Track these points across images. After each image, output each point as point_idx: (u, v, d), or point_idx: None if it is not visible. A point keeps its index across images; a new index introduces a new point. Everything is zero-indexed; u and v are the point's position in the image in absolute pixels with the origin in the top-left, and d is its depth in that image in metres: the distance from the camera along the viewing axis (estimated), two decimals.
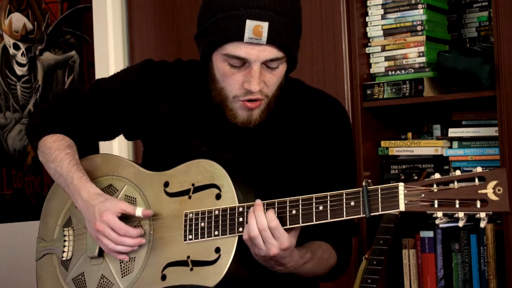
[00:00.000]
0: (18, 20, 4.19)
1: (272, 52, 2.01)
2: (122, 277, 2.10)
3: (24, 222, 4.06)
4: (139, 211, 2.07)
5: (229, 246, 2.00)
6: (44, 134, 2.25)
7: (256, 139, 2.15)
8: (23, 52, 4.17)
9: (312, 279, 2.18)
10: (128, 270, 2.10)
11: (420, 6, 3.14)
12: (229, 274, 1.97)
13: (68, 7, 4.19)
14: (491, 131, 3.02)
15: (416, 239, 3.13)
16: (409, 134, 3.26)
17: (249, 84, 2.03)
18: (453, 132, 3.10)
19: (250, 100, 2.06)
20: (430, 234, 3.10)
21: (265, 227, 1.93)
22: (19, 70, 4.17)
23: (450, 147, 3.12)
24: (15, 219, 4.11)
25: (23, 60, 4.17)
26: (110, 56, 3.75)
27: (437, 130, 3.25)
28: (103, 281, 2.13)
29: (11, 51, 4.18)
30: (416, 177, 3.05)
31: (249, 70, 2.02)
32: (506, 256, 2.92)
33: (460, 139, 3.10)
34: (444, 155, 3.11)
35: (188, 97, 2.20)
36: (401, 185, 1.86)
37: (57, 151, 2.20)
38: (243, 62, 2.03)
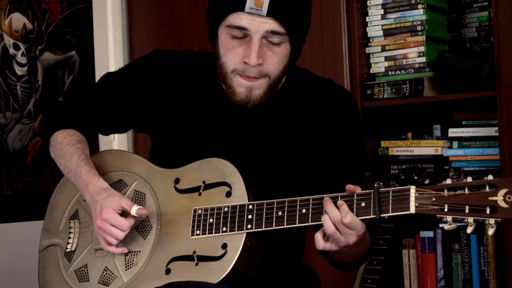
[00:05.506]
0: (18, 20, 4.18)
1: (273, 25, 2.05)
2: (126, 270, 2.11)
3: (24, 222, 4.06)
4: (133, 210, 2.07)
5: (236, 242, 2.00)
6: (56, 129, 2.26)
7: (266, 128, 2.17)
8: (23, 52, 4.17)
9: (345, 265, 2.19)
10: (133, 263, 2.10)
11: (420, 6, 3.14)
12: (233, 271, 1.98)
13: (68, 7, 4.19)
14: (491, 131, 3.02)
15: (416, 239, 3.13)
16: (409, 134, 3.26)
17: (248, 58, 2.06)
18: (453, 132, 3.10)
19: (248, 77, 2.08)
20: (430, 234, 3.10)
21: (339, 220, 1.92)
22: (19, 70, 4.17)
23: (450, 147, 3.12)
24: (15, 219, 4.10)
25: (23, 60, 4.17)
26: (110, 56, 3.75)
27: (437, 130, 3.25)
28: (106, 274, 2.13)
29: (11, 51, 4.18)
30: (416, 177, 3.04)
31: (249, 43, 2.06)
32: (506, 256, 2.92)
33: (460, 139, 3.10)
34: (444, 155, 3.11)
35: (198, 86, 2.21)
36: (412, 188, 1.88)
37: (67, 146, 2.21)
38: (245, 35, 2.06)
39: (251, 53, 2.05)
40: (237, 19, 2.05)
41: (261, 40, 2.06)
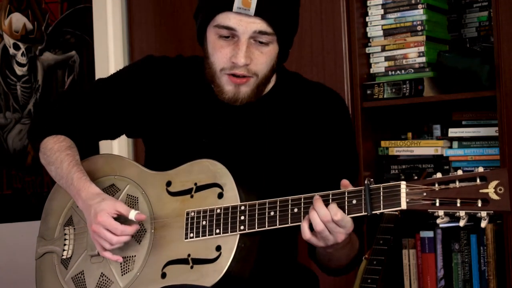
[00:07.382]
0: (18, 20, 4.19)
1: (261, 25, 2.06)
2: (122, 275, 2.10)
3: (24, 222, 4.06)
4: (132, 215, 2.06)
5: (230, 244, 2.00)
6: (45, 135, 2.25)
7: (257, 130, 2.17)
8: (23, 52, 4.17)
9: (333, 269, 2.18)
10: (128, 269, 2.10)
11: (420, 6, 3.14)
12: (229, 273, 1.98)
13: (68, 7, 4.18)
14: (491, 131, 3.02)
15: (416, 239, 3.13)
16: (409, 134, 3.26)
17: (236, 58, 2.07)
18: (453, 132, 3.10)
19: (236, 76, 2.09)
20: (430, 234, 3.10)
21: (329, 219, 1.92)
22: (19, 70, 4.17)
23: (450, 147, 3.12)
24: (15, 219, 4.10)
25: (23, 60, 4.17)
26: (110, 56, 3.75)
27: (437, 130, 3.25)
28: (103, 279, 2.13)
29: (11, 51, 4.18)
30: (416, 177, 3.04)
31: (237, 43, 2.07)
32: (506, 256, 2.92)
33: (460, 139, 3.10)
34: (444, 155, 3.11)
35: (189, 90, 2.22)
36: (403, 184, 1.88)
37: (57, 153, 2.20)
38: (233, 35, 2.07)
39: (238, 53, 2.06)
40: (225, 19, 2.06)
41: (249, 40, 2.07)
